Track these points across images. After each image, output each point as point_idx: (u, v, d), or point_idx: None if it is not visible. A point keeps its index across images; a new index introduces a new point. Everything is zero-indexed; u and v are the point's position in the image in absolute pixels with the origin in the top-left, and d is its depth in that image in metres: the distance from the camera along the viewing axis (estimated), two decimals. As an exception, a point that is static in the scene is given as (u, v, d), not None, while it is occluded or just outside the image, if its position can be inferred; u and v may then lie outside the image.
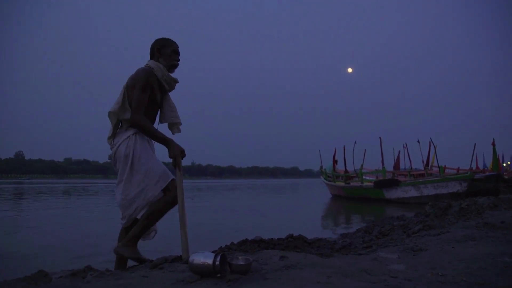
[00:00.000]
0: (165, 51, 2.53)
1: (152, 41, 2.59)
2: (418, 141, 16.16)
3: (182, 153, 2.35)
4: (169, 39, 2.59)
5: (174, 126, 2.65)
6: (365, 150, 16.92)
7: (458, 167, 15.96)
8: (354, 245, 3.14)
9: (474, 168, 16.77)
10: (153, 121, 2.54)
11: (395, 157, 17.56)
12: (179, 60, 2.59)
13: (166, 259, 2.30)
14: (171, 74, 2.57)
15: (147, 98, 2.39)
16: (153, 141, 2.54)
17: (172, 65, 2.55)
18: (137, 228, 2.32)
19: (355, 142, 17.11)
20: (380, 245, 2.91)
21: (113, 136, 2.46)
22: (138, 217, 2.37)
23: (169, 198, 2.34)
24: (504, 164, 24.81)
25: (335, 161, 18.17)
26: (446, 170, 14.51)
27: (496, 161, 14.22)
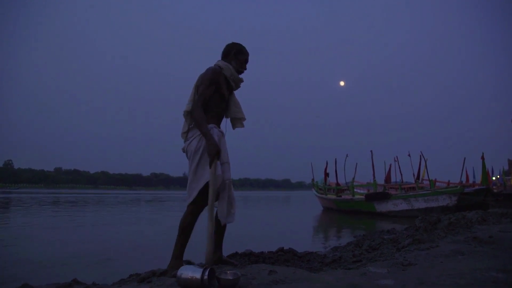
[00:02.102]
0: (240, 57, 2.81)
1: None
2: (409, 155, 16.30)
3: (218, 153, 2.45)
4: (245, 48, 2.87)
5: (238, 121, 2.89)
6: (356, 163, 17.02)
7: (449, 181, 16.09)
8: (344, 259, 3.13)
9: (464, 182, 16.91)
10: (221, 116, 2.78)
11: (386, 171, 17.67)
12: (245, 69, 2.87)
13: (154, 272, 2.28)
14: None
15: (210, 93, 2.61)
16: (225, 139, 2.74)
17: (239, 71, 2.82)
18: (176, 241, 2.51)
19: (347, 155, 17.21)
20: (370, 259, 2.91)
21: (187, 131, 2.68)
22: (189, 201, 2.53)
23: (191, 209, 2.53)
24: (494, 178, 25.09)
25: (326, 174, 18.22)
26: (437, 184, 14.62)
27: (485, 175, 14.38)
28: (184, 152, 2.70)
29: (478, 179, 19.37)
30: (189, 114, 2.63)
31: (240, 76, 2.86)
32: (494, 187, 18.65)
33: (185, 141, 2.69)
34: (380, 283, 1.93)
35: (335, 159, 17.71)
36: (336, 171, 17.55)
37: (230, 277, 1.80)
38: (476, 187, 14.44)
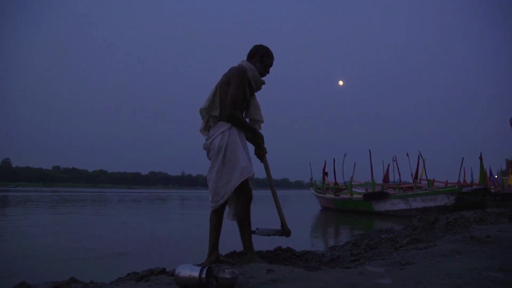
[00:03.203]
0: (265, 61, 2.83)
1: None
2: (407, 155, 16.31)
3: (262, 142, 2.75)
4: (271, 52, 2.88)
5: (256, 123, 2.91)
6: (355, 162, 17.03)
7: (447, 181, 16.12)
8: (342, 258, 3.13)
9: (462, 182, 16.94)
10: None
11: (385, 170, 17.68)
12: (268, 73, 2.89)
13: (152, 271, 2.27)
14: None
15: (240, 95, 2.65)
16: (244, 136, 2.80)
17: (262, 74, 2.84)
18: (243, 235, 2.69)
19: (345, 155, 17.23)
20: (368, 259, 2.92)
21: (206, 129, 2.75)
22: (222, 202, 2.63)
23: (244, 201, 2.64)
24: (496, 176, 25.14)
25: (325, 173, 18.23)
26: (435, 184, 14.64)
27: (483, 174, 14.41)
28: (205, 149, 2.76)
29: (476, 179, 19.41)
30: (205, 112, 2.70)
31: (263, 78, 2.87)
32: (492, 187, 18.68)
33: (206, 139, 2.73)
34: (378, 282, 1.93)
35: (334, 158, 17.75)
36: (334, 170, 17.58)
37: (228, 276, 1.80)
38: (474, 186, 14.47)
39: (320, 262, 3.01)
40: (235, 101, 2.60)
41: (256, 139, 2.76)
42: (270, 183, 2.92)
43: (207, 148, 2.71)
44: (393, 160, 16.94)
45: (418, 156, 15.58)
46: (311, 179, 19.61)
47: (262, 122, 2.93)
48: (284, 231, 2.85)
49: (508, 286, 1.85)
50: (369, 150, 16.32)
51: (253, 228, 2.79)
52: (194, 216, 12.13)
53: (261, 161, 2.83)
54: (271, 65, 2.88)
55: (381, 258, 2.73)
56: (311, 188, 19.63)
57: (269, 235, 2.90)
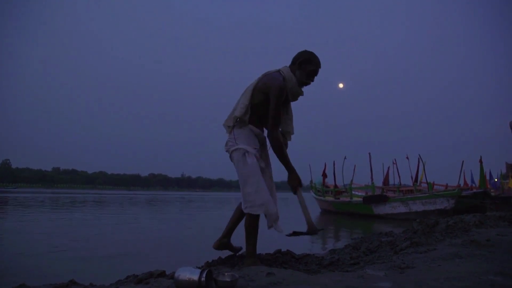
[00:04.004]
0: (306, 68, 2.57)
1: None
2: (407, 157, 16.31)
3: (299, 183, 2.67)
4: (316, 58, 2.61)
5: (287, 134, 2.80)
6: (355, 165, 17.01)
7: (447, 184, 16.11)
8: (342, 262, 3.13)
9: (462, 185, 16.93)
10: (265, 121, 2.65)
11: (384, 173, 17.68)
12: (312, 81, 2.64)
13: (152, 274, 2.27)
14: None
15: (280, 109, 2.52)
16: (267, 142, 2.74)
17: (304, 83, 2.61)
18: (247, 241, 2.69)
19: (345, 157, 17.22)
20: (368, 262, 2.91)
21: (230, 124, 2.63)
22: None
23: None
24: (496, 179, 25.12)
25: (324, 176, 18.22)
26: (435, 187, 14.63)
27: (483, 178, 14.40)
28: (226, 151, 2.71)
29: (476, 182, 19.39)
30: (236, 118, 2.59)
31: (303, 88, 2.67)
32: (492, 190, 18.66)
33: (229, 138, 2.66)
34: (378, 286, 1.93)
35: (334, 161, 17.74)
36: (334, 173, 17.57)
37: (228, 279, 1.80)
38: (474, 190, 14.46)
39: (319, 265, 3.00)
40: (277, 123, 2.51)
41: (290, 178, 2.69)
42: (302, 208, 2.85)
43: (229, 154, 2.67)
44: (393, 163, 16.95)
45: (418, 159, 15.59)
46: (311, 181, 19.60)
47: (293, 133, 2.82)
48: (311, 230, 2.82)
49: (508, 290, 1.85)
50: (369, 153, 16.33)
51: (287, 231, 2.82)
52: (195, 217, 12.12)
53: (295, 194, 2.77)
54: (314, 72, 2.60)
55: (381, 262, 2.72)
56: (311, 191, 19.62)
57: (299, 235, 2.89)
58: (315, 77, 2.66)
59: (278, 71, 2.60)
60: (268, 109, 2.52)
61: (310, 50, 2.64)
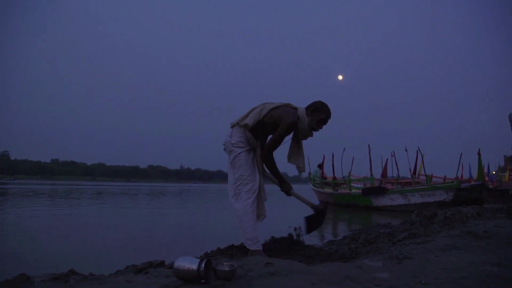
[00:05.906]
0: (316, 116, 2.85)
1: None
2: (406, 150, 16.30)
3: (290, 187, 3.08)
4: (327, 109, 2.89)
5: (298, 169, 3.05)
6: (353, 157, 17.00)
7: (445, 176, 16.13)
8: (340, 252, 3.15)
9: (460, 178, 16.96)
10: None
11: (383, 165, 17.69)
12: (320, 129, 2.92)
13: (151, 263, 2.28)
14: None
15: (282, 140, 2.86)
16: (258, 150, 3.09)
17: (312, 128, 2.89)
18: None
19: (344, 149, 17.21)
20: (366, 253, 2.93)
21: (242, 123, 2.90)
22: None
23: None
24: (494, 172, 25.20)
25: (322, 168, 18.22)
26: (433, 179, 14.65)
27: (481, 171, 14.43)
28: (224, 147, 3.01)
29: (474, 175, 19.44)
30: (240, 126, 2.91)
31: (314, 132, 2.94)
32: (490, 183, 18.73)
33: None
34: (376, 276, 1.94)
35: (333, 153, 17.74)
36: (333, 165, 17.57)
37: (227, 269, 1.80)
38: (472, 182, 14.49)
39: (318, 255, 3.02)
40: (275, 147, 2.85)
41: (282, 187, 3.08)
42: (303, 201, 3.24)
43: (228, 154, 2.99)
44: (391, 155, 16.96)
45: (417, 151, 15.60)
46: (310, 173, 19.60)
47: (303, 171, 3.06)
48: (318, 210, 3.19)
49: (504, 280, 1.87)
50: (368, 145, 16.32)
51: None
52: (195, 209, 12.14)
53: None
54: (323, 121, 2.89)
55: (379, 253, 2.74)
56: (310, 183, 19.63)
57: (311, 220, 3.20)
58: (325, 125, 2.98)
59: (296, 109, 2.91)
60: (269, 131, 2.93)
61: (324, 101, 2.92)
